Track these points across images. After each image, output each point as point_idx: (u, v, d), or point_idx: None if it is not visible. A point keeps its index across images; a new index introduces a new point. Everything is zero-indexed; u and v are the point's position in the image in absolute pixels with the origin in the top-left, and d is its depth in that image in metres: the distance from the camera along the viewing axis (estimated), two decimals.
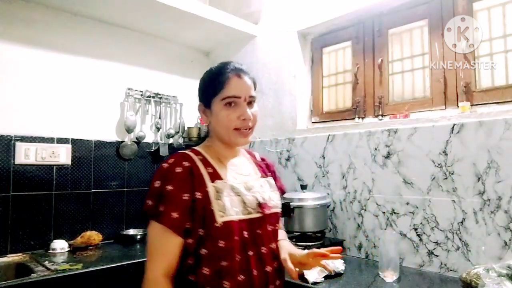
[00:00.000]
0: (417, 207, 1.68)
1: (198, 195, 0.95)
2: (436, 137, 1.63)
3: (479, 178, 1.50)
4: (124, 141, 2.34)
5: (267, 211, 1.03)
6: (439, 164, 1.62)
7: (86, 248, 1.97)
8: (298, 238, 1.85)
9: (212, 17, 2.30)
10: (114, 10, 2.16)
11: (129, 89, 2.38)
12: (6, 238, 1.85)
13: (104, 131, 2.28)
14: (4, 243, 1.84)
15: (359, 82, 2.10)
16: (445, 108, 1.75)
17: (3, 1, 1.92)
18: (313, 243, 1.80)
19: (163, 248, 0.94)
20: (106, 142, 2.27)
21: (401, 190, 1.74)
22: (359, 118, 2.06)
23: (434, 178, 1.63)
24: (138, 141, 2.41)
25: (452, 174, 1.58)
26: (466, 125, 1.55)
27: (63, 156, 2.06)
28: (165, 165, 0.97)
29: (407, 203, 1.71)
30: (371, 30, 2.06)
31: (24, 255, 1.85)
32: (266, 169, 1.18)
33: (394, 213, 1.75)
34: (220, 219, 0.94)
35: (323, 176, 2.07)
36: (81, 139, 2.15)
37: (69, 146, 2.09)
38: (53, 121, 2.05)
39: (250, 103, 1.04)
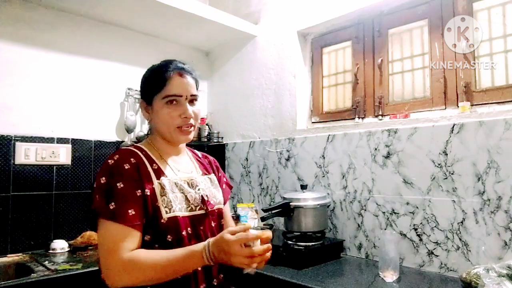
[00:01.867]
0: (417, 207, 1.68)
1: (147, 191, 0.96)
2: (436, 137, 1.63)
3: (479, 178, 1.50)
4: (124, 141, 2.34)
5: (210, 208, 1.06)
6: (439, 164, 1.62)
7: (86, 248, 1.96)
8: (298, 238, 1.85)
9: (212, 17, 2.30)
10: (114, 10, 2.15)
11: (129, 89, 2.38)
12: (6, 238, 1.85)
13: (104, 131, 2.28)
14: (4, 243, 1.84)
15: (359, 82, 2.10)
16: (445, 108, 1.75)
17: (3, 1, 1.92)
18: (313, 243, 1.80)
19: (124, 245, 0.90)
20: (106, 142, 2.27)
21: (401, 190, 1.74)
22: (359, 118, 2.06)
23: (434, 178, 1.63)
24: (138, 141, 2.41)
25: (452, 174, 1.58)
26: (466, 125, 1.55)
27: (63, 156, 2.06)
28: (110, 161, 0.97)
29: (407, 203, 1.71)
30: (371, 30, 2.06)
31: (24, 255, 1.85)
32: (209, 166, 1.21)
33: (394, 213, 1.75)
34: (165, 215, 0.96)
35: (323, 176, 2.07)
36: (81, 139, 2.15)
37: (69, 146, 2.09)
38: (53, 121, 2.05)
39: (192, 101, 1.05)
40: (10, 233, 1.87)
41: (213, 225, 1.07)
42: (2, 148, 1.87)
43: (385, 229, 1.77)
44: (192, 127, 1.06)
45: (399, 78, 1.97)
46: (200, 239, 0.99)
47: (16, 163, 1.90)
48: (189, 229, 1.00)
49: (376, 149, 1.84)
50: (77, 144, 2.13)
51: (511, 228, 1.42)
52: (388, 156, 1.79)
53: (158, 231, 0.96)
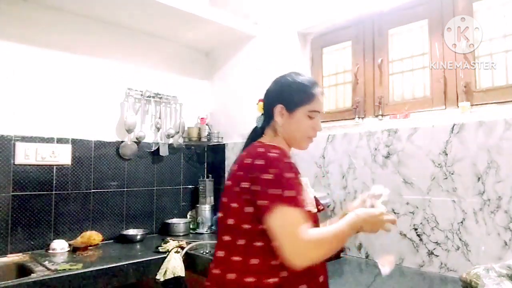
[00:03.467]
0: (417, 207, 1.68)
1: (302, 183, 1.06)
2: (436, 137, 1.63)
3: (479, 178, 1.50)
4: (124, 141, 2.34)
5: (320, 208, 1.16)
6: (439, 164, 1.62)
7: (86, 248, 1.96)
8: None
9: (212, 17, 2.30)
10: (114, 10, 2.16)
11: (129, 89, 2.38)
12: (6, 238, 1.85)
13: (104, 131, 2.28)
14: (4, 243, 1.84)
15: (359, 82, 2.10)
16: (445, 108, 1.75)
17: (3, 1, 1.92)
18: None
19: (306, 225, 0.95)
20: (106, 142, 2.27)
21: (401, 190, 1.73)
22: (359, 118, 2.06)
23: (434, 178, 1.63)
24: (138, 141, 2.41)
25: (452, 174, 1.58)
26: (466, 125, 1.55)
27: (63, 156, 2.06)
28: (274, 155, 1.00)
29: (407, 203, 1.71)
30: (371, 30, 2.06)
31: (24, 255, 1.85)
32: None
33: (394, 213, 1.75)
34: (306, 207, 1.03)
35: (323, 176, 2.07)
36: (81, 139, 2.15)
37: (69, 146, 2.09)
38: (53, 121, 2.05)
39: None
40: (10, 233, 1.87)
41: (321, 224, 1.14)
42: (2, 148, 1.87)
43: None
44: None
45: (399, 78, 1.97)
46: None
47: (16, 163, 1.90)
48: (312, 224, 1.04)
49: (376, 149, 1.84)
50: (77, 144, 2.13)
51: (511, 228, 1.41)
52: (388, 156, 1.79)
53: None
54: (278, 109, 1.13)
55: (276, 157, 0.99)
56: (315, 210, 1.13)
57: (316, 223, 1.09)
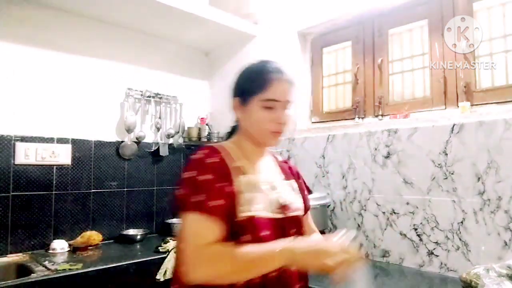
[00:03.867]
0: (417, 207, 1.68)
1: (229, 187, 0.93)
2: (436, 137, 1.63)
3: (479, 178, 1.50)
4: (124, 141, 2.34)
5: (290, 213, 1.00)
6: (439, 164, 1.62)
7: (86, 248, 1.96)
8: None
9: (212, 17, 2.30)
10: (114, 10, 2.15)
11: (129, 89, 2.38)
12: (6, 238, 1.85)
13: (104, 131, 2.28)
14: (4, 243, 1.84)
15: (359, 82, 2.10)
16: (445, 108, 1.75)
17: (3, 1, 1.92)
18: None
19: (205, 235, 0.88)
20: (106, 142, 2.27)
21: (401, 190, 1.73)
22: (359, 118, 2.06)
23: (434, 178, 1.63)
24: (138, 141, 2.41)
25: (452, 174, 1.58)
26: (466, 125, 1.55)
27: (63, 156, 2.06)
28: (196, 156, 0.95)
29: (407, 203, 1.71)
30: (371, 30, 2.06)
31: (24, 255, 1.85)
32: (289, 171, 1.15)
33: (394, 213, 1.75)
34: (241, 214, 0.92)
35: (323, 176, 2.07)
36: (81, 139, 2.15)
37: (69, 146, 2.09)
38: (53, 121, 2.05)
39: (286, 107, 1.02)
40: (10, 233, 1.87)
41: (291, 232, 0.99)
42: (2, 148, 1.87)
43: (385, 229, 1.77)
44: (283, 132, 1.02)
45: (399, 78, 1.97)
46: None
47: (16, 163, 1.90)
48: (267, 231, 0.93)
49: (376, 149, 1.84)
50: (77, 144, 2.13)
51: (511, 228, 1.42)
52: (388, 156, 1.79)
53: (233, 230, 0.91)
54: (234, 103, 1.04)
55: (197, 158, 0.94)
56: (271, 215, 0.96)
57: (276, 230, 0.95)
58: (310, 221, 1.18)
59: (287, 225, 0.99)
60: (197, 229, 0.88)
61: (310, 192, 1.26)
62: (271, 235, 0.93)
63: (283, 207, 0.99)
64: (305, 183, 1.20)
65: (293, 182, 1.12)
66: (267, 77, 0.99)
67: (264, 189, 0.98)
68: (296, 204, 1.05)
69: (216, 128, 2.76)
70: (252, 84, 1.01)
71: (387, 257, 1.77)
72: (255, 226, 0.92)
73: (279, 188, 1.03)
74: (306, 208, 1.13)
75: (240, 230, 0.91)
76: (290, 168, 1.17)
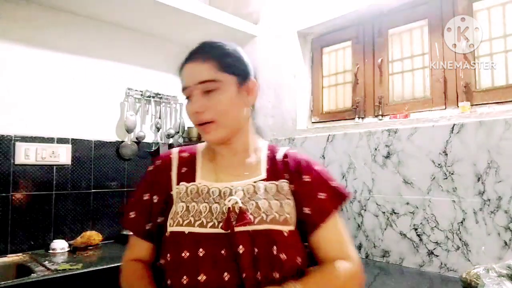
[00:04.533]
0: (417, 207, 1.68)
1: (155, 198, 0.87)
2: (436, 137, 1.63)
3: (479, 178, 1.50)
4: (124, 141, 2.34)
5: (239, 226, 0.76)
6: (439, 164, 1.62)
7: (86, 248, 1.96)
8: None
9: (212, 17, 2.30)
10: (114, 10, 2.15)
11: (129, 89, 2.38)
12: (6, 238, 1.85)
13: (104, 131, 2.28)
14: (4, 243, 1.84)
15: (359, 82, 2.10)
16: (445, 108, 1.75)
17: (3, 1, 1.92)
18: None
19: (127, 252, 0.92)
20: (106, 142, 2.27)
21: (401, 190, 1.73)
22: (359, 118, 2.06)
23: (434, 178, 1.63)
24: (138, 141, 2.41)
25: (452, 174, 1.58)
26: (466, 125, 1.55)
27: (63, 156, 2.06)
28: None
29: (407, 203, 1.71)
30: (371, 30, 2.06)
31: (24, 255, 1.85)
32: (285, 169, 0.88)
33: (394, 213, 1.75)
34: (169, 228, 0.80)
35: None
36: (81, 139, 2.15)
37: (69, 146, 2.09)
38: (53, 121, 2.05)
39: (208, 91, 0.82)
40: (10, 233, 1.87)
41: (240, 250, 0.75)
42: (2, 148, 1.87)
43: (385, 229, 1.77)
44: (213, 123, 0.82)
45: (399, 78, 1.97)
46: (217, 267, 0.75)
47: (16, 163, 1.90)
48: (201, 250, 0.76)
49: (376, 149, 1.84)
50: (77, 144, 2.13)
51: (511, 228, 1.41)
52: (388, 156, 1.79)
53: (161, 247, 0.82)
54: None
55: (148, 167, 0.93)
56: (203, 229, 0.78)
57: (214, 248, 0.76)
58: (322, 242, 0.83)
59: (235, 242, 0.76)
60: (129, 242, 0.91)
61: (339, 197, 0.87)
62: (206, 255, 0.75)
63: (232, 218, 0.77)
64: (324, 186, 0.86)
65: (282, 183, 0.85)
66: (182, 63, 0.89)
67: (210, 197, 0.82)
68: (267, 213, 0.79)
69: None
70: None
71: (387, 257, 1.77)
72: (178, 244, 0.77)
73: (238, 193, 0.81)
74: (310, 221, 0.83)
75: (163, 248, 0.81)
76: (286, 164, 0.89)
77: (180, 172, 0.88)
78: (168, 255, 0.79)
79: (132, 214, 0.88)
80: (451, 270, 1.55)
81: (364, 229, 1.87)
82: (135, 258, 0.90)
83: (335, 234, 0.84)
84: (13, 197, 1.88)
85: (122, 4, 2.09)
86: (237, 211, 0.78)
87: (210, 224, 0.79)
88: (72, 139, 2.11)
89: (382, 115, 1.97)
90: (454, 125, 1.58)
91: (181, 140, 2.66)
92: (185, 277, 0.76)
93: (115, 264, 1.70)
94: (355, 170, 1.92)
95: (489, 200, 1.47)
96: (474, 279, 1.28)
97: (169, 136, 2.57)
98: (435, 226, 1.62)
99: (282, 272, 0.76)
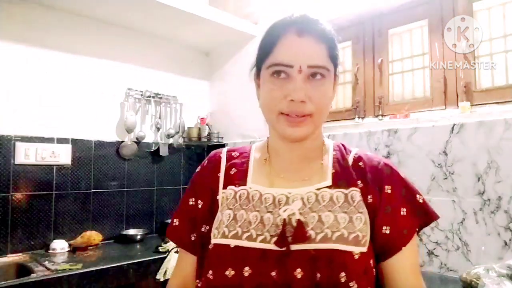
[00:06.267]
0: None
1: (200, 203, 0.74)
2: (436, 137, 1.63)
3: (479, 178, 1.50)
4: (124, 141, 2.34)
5: (296, 245, 0.62)
6: (439, 164, 1.62)
7: (86, 248, 1.96)
8: None
9: (212, 17, 2.30)
10: (114, 10, 2.15)
11: (129, 89, 2.38)
12: (6, 238, 1.85)
13: (104, 131, 2.28)
14: (4, 243, 1.84)
15: (359, 82, 2.10)
16: (445, 108, 1.75)
17: (3, 1, 1.92)
18: None
19: (175, 269, 0.80)
20: (106, 142, 2.27)
21: None
22: (359, 118, 2.06)
23: (434, 178, 1.63)
24: (138, 141, 2.41)
25: (452, 174, 1.58)
26: (466, 125, 1.55)
27: (63, 156, 2.06)
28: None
29: None
30: (371, 30, 2.06)
31: (24, 255, 1.85)
32: (359, 175, 0.71)
33: None
34: (213, 239, 0.68)
35: None
36: (81, 139, 2.15)
37: (69, 146, 2.09)
38: (53, 121, 2.05)
39: (313, 76, 0.67)
40: (10, 233, 1.86)
41: (298, 275, 0.60)
42: (2, 148, 1.87)
43: None
44: (307, 117, 0.67)
45: (399, 78, 1.97)
46: None
47: (16, 163, 1.90)
48: (247, 268, 0.62)
49: (376, 149, 1.84)
50: (77, 144, 2.13)
51: (511, 228, 1.41)
52: (388, 156, 1.79)
53: (204, 261, 0.70)
54: (255, 81, 0.78)
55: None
56: (256, 244, 0.64)
57: (264, 268, 0.62)
58: (400, 270, 0.69)
59: (291, 262, 0.61)
60: (173, 254, 0.82)
61: (425, 216, 0.74)
62: (253, 276, 0.62)
63: (286, 234, 0.63)
64: (411, 198, 0.71)
65: (353, 193, 0.68)
66: (276, 32, 0.70)
67: (262, 205, 0.68)
68: (331, 229, 0.64)
69: (216, 128, 2.76)
70: (260, 49, 0.73)
71: None
72: (220, 259, 0.65)
73: (297, 202, 0.67)
74: (388, 245, 0.67)
75: (206, 264, 0.67)
76: (361, 170, 0.71)
77: (228, 174, 0.75)
78: (210, 272, 0.65)
79: (176, 222, 0.76)
80: (451, 270, 1.55)
81: None
82: (182, 277, 0.78)
83: (412, 262, 0.70)
84: (13, 197, 1.88)
85: (122, 4, 2.09)
86: (294, 224, 0.64)
87: (260, 237, 0.64)
88: (72, 139, 2.11)
89: (382, 115, 1.97)
90: (454, 125, 1.58)
91: (181, 140, 2.66)
92: None
93: (115, 264, 1.70)
94: None
95: (489, 200, 1.47)
96: (474, 279, 1.28)
97: (169, 136, 2.57)
98: (435, 226, 1.61)
99: None
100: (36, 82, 2.01)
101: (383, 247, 0.67)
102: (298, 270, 0.60)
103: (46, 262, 1.68)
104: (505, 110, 1.48)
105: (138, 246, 2.12)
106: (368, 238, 0.64)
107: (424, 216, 0.73)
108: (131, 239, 2.20)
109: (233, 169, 0.75)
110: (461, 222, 1.54)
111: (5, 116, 1.90)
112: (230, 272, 0.63)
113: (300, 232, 0.63)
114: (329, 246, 0.62)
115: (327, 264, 0.60)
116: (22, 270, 1.67)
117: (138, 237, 2.21)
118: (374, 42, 2.05)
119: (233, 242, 0.65)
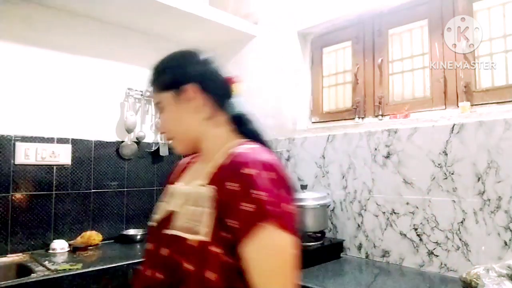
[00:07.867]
0: (417, 207, 1.68)
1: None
2: (436, 137, 1.63)
3: (479, 178, 1.50)
4: (124, 141, 2.34)
5: (162, 228, 0.81)
6: (439, 164, 1.62)
7: (86, 248, 1.96)
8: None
9: (212, 17, 2.30)
10: (114, 10, 2.15)
11: (129, 89, 2.38)
12: (6, 238, 1.85)
13: (104, 131, 2.28)
14: (4, 243, 1.84)
15: (359, 82, 2.10)
16: (445, 108, 1.75)
17: (3, 1, 1.92)
18: (313, 243, 1.80)
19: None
20: (106, 142, 2.27)
21: (401, 190, 1.74)
22: (359, 118, 2.06)
23: (434, 178, 1.63)
24: (138, 141, 2.41)
25: (452, 174, 1.58)
26: (466, 125, 1.55)
27: (63, 156, 2.06)
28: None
29: (407, 203, 1.71)
30: (371, 30, 2.06)
31: (24, 255, 1.85)
32: (219, 174, 0.76)
33: (394, 213, 1.75)
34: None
35: (323, 176, 2.07)
36: (81, 139, 2.15)
37: (69, 146, 2.09)
38: (53, 121, 2.05)
39: (160, 111, 0.91)
40: (10, 233, 1.86)
41: (164, 253, 0.77)
42: (2, 148, 1.87)
43: (385, 229, 1.77)
44: (174, 140, 0.90)
45: (399, 78, 1.97)
46: (157, 265, 0.80)
47: (16, 163, 1.90)
48: (150, 245, 0.86)
49: (376, 149, 1.84)
50: (77, 144, 2.13)
51: (511, 228, 1.42)
52: (388, 156, 1.79)
53: None
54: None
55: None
56: (153, 223, 0.88)
57: (156, 246, 0.82)
58: (246, 265, 0.69)
59: (160, 243, 0.81)
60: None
61: (257, 216, 0.68)
62: (150, 251, 0.84)
63: (163, 220, 0.84)
64: (247, 197, 0.69)
65: (206, 190, 0.75)
66: None
67: (165, 198, 0.90)
68: (180, 219, 0.78)
69: None
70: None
71: (387, 257, 1.77)
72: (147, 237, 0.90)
73: (177, 196, 0.85)
74: (236, 237, 0.69)
75: None
76: (223, 170, 0.76)
77: (174, 174, 0.98)
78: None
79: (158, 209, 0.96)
80: (451, 270, 1.55)
81: (364, 229, 1.87)
82: None
83: (255, 258, 0.69)
84: (13, 197, 1.88)
85: (122, 4, 2.09)
86: (163, 214, 0.86)
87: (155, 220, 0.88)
88: (72, 139, 2.11)
89: (382, 115, 1.97)
90: (454, 125, 1.58)
91: None
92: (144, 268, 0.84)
93: (115, 264, 1.70)
94: (355, 170, 1.92)
95: (489, 200, 1.47)
96: (474, 279, 1.28)
97: None
98: (435, 226, 1.62)
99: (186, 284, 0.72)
100: (36, 82, 2.01)
101: (233, 239, 0.71)
102: (165, 248, 0.78)
103: (46, 262, 1.68)
104: (505, 110, 1.49)
105: (138, 246, 2.11)
106: (210, 229, 0.71)
107: (262, 215, 0.68)
108: (131, 239, 2.20)
109: (176, 172, 0.99)
110: (461, 222, 1.54)
111: (5, 116, 1.90)
112: (151, 246, 0.84)
113: (171, 220, 0.81)
114: (177, 233, 0.76)
115: (176, 250, 0.75)
116: (22, 270, 1.67)
117: (138, 237, 2.21)
118: (374, 42, 2.05)
119: (151, 224, 0.89)
